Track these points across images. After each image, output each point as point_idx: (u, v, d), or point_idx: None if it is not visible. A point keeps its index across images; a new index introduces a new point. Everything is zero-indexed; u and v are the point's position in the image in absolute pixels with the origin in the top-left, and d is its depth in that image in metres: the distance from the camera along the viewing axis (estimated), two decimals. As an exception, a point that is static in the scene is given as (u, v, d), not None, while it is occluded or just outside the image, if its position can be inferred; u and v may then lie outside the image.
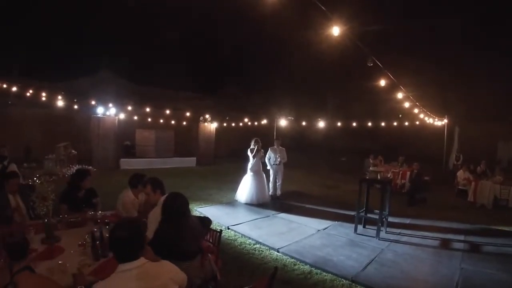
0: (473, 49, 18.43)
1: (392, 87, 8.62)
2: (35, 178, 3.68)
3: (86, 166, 7.51)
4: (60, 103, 13.75)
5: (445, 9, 19.09)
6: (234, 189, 10.38)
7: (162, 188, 4.11)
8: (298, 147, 22.29)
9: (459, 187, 12.58)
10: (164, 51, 26.67)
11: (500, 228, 8.40)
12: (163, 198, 3.77)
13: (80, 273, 2.71)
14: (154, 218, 3.63)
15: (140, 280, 2.18)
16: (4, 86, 13.27)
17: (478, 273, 5.46)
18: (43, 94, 13.88)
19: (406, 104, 10.51)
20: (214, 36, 27.52)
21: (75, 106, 15.50)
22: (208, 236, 4.15)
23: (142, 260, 2.27)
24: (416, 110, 12.49)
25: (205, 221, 3.87)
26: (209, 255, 3.56)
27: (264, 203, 9.62)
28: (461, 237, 7.36)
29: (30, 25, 21.13)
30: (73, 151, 10.62)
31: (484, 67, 17.94)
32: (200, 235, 3.56)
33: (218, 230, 4.17)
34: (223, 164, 18.61)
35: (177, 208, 3.25)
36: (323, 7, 4.16)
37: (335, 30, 4.75)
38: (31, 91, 13.76)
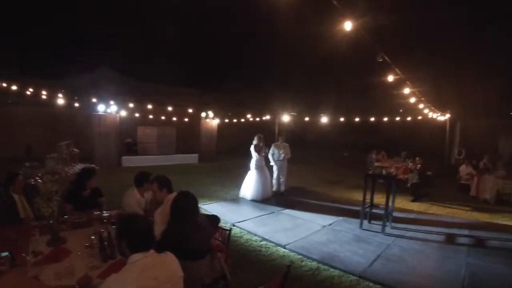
0: (476, 43, 18.38)
1: (398, 82, 8.54)
2: (37, 178, 3.58)
3: (89, 165, 7.40)
4: (60, 101, 13.66)
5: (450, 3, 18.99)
6: (238, 185, 10.34)
7: (168, 186, 4.05)
8: (300, 143, 22.26)
9: (462, 182, 12.56)
10: (165, 47, 26.56)
11: (504, 223, 8.35)
12: (170, 196, 3.72)
13: (85, 275, 2.68)
14: (160, 217, 3.58)
15: (151, 269, 2.30)
16: (4, 85, 13.20)
17: (484, 267, 5.45)
18: (43, 92, 13.81)
19: (412, 100, 10.41)
20: (215, 31, 27.43)
21: (76, 104, 15.42)
22: (217, 234, 4.10)
23: (151, 251, 2.41)
24: (421, 106, 12.41)
25: (214, 220, 3.82)
26: (219, 253, 3.51)
27: (267, 199, 9.61)
28: (466, 232, 7.35)
29: (29, 23, 21.06)
30: (75, 149, 10.52)
31: (486, 62, 17.88)
32: (210, 234, 3.51)
33: (227, 228, 4.11)
34: (225, 160, 18.53)
35: (186, 207, 3.22)
36: (334, 1, 4.05)
37: (347, 25, 4.65)
38: (31, 90, 13.68)
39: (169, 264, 2.48)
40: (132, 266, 2.27)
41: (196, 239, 3.12)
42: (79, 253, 3.28)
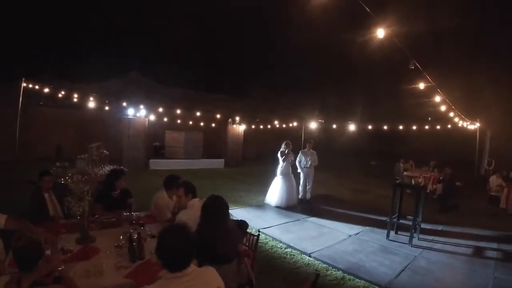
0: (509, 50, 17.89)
1: (429, 90, 8.36)
2: (67, 178, 3.64)
3: (119, 166, 7.49)
4: (91, 104, 14.00)
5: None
6: (263, 191, 10.32)
7: (193, 192, 4.12)
8: (327, 150, 22.09)
9: (491, 193, 12.26)
10: (194, 54, 26.89)
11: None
12: (193, 200, 3.75)
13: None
14: (184, 219, 3.58)
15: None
16: (36, 87, 13.62)
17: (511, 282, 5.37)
18: (75, 95, 14.16)
19: (443, 108, 10.18)
20: (245, 38, 27.59)
21: (106, 108, 15.75)
22: (245, 240, 4.09)
23: (192, 267, 2.20)
24: (452, 114, 12.13)
25: (243, 225, 3.83)
26: (246, 259, 3.50)
27: (293, 206, 9.54)
28: (494, 245, 7.23)
29: (61, 27, 21.63)
30: (105, 151, 10.71)
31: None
32: (238, 239, 3.52)
33: (255, 234, 4.10)
34: (251, 166, 18.52)
35: (218, 211, 3.23)
36: (366, 8, 4.00)
37: (379, 32, 4.59)
38: (63, 93, 14.04)
39: (207, 282, 2.27)
40: (168, 281, 2.11)
41: (225, 244, 3.12)
42: (108, 252, 3.32)
